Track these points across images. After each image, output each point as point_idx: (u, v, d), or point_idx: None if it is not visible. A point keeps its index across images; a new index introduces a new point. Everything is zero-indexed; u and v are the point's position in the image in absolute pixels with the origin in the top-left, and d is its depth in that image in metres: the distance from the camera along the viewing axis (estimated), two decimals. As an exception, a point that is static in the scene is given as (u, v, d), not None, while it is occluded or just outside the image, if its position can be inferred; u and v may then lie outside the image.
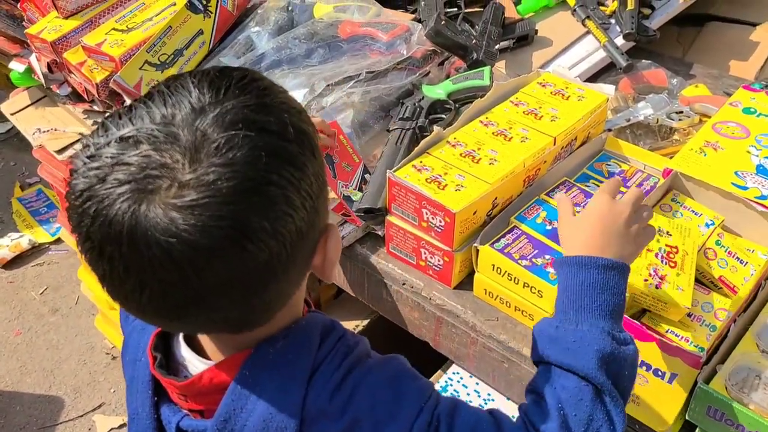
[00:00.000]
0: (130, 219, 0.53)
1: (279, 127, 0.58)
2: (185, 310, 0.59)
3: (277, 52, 1.28)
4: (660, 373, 0.81)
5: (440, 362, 1.21)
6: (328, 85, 1.23)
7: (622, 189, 0.98)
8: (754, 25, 1.78)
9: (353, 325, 1.55)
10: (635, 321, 0.81)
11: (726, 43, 1.78)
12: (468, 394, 1.14)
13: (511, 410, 1.10)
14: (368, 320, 1.57)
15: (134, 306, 0.59)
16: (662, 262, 0.88)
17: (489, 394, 1.13)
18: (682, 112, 1.34)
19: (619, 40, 1.50)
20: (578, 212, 0.80)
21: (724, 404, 0.76)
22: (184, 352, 0.70)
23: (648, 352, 0.81)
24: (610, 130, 1.31)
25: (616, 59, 1.45)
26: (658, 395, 0.83)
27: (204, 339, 0.70)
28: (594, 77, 1.49)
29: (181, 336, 0.71)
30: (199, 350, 0.70)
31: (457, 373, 1.17)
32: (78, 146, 1.42)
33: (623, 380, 0.69)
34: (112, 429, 2.02)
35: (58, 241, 2.69)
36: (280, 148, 0.58)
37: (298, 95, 1.20)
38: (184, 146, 0.55)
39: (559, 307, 0.73)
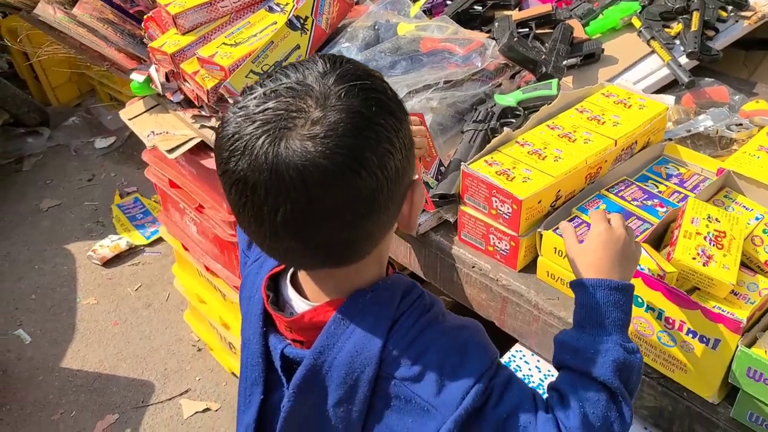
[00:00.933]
0: (274, 149, 0.68)
1: (382, 88, 0.74)
2: (309, 233, 0.72)
3: (364, 64, 1.44)
4: (705, 339, 0.90)
5: (505, 342, 1.31)
6: (409, 92, 1.38)
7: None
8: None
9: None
10: (683, 292, 0.91)
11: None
12: (530, 370, 1.24)
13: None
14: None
15: (269, 229, 0.72)
16: (710, 244, 0.97)
17: (549, 371, 1.23)
18: (741, 124, 1.42)
19: (683, 60, 1.59)
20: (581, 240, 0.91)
21: (764, 365, 0.84)
22: (290, 293, 0.85)
23: (693, 319, 0.90)
24: (670, 139, 1.40)
25: (679, 76, 1.54)
26: (704, 362, 0.92)
27: (306, 283, 0.84)
28: (657, 92, 1.58)
29: (288, 279, 0.86)
30: (301, 293, 0.84)
31: (520, 350, 1.27)
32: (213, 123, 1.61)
33: (632, 384, 0.82)
34: (196, 412, 2.20)
35: (152, 244, 2.94)
36: (384, 102, 0.73)
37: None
38: (315, 95, 0.70)
39: (577, 321, 0.85)
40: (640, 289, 0.94)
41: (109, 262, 2.85)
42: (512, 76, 1.51)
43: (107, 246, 2.88)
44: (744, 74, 1.86)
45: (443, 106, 1.40)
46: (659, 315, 0.94)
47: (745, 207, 1.10)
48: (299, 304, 0.84)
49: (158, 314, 2.59)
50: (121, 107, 1.93)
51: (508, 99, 1.41)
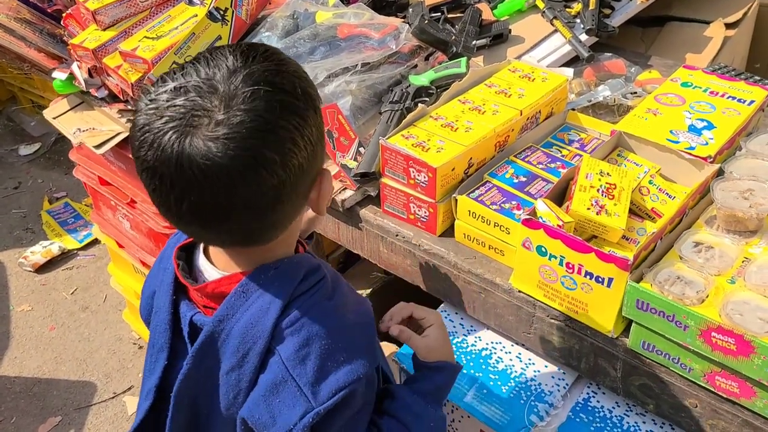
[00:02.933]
0: (179, 146, 0.72)
1: (290, 88, 0.77)
2: (213, 221, 0.77)
3: (284, 51, 1.50)
4: (600, 279, 1.01)
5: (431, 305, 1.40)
6: (328, 76, 1.45)
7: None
8: (708, 23, 2.01)
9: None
10: (578, 238, 1.01)
11: (684, 39, 2.00)
12: (454, 327, 1.33)
13: (490, 337, 1.30)
14: (370, 289, 1.77)
15: (175, 214, 0.78)
16: (602, 195, 1.08)
17: (472, 326, 1.33)
18: (635, 92, 1.55)
19: (583, 36, 1.72)
20: (426, 334, 1.03)
21: (649, 296, 0.95)
22: (202, 262, 0.90)
23: (589, 262, 1.00)
24: (573, 109, 1.52)
25: (580, 51, 1.67)
26: (601, 300, 1.02)
27: (216, 254, 0.89)
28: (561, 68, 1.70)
29: (201, 249, 0.91)
30: (213, 262, 0.89)
31: (444, 310, 1.36)
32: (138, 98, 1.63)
33: None
34: (141, 408, 2.21)
35: (86, 247, 2.91)
36: (290, 103, 0.76)
37: (304, 83, 1.41)
38: (221, 96, 0.74)
39: (426, 392, 0.96)
40: (543, 239, 1.04)
41: (42, 268, 2.81)
42: (426, 58, 1.60)
43: (39, 252, 2.83)
44: (641, 49, 2.01)
45: (361, 88, 1.47)
46: (561, 261, 1.04)
47: (635, 163, 1.22)
48: (211, 273, 0.88)
49: (96, 316, 2.58)
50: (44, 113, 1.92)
51: (421, 79, 1.50)
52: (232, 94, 0.74)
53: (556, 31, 1.76)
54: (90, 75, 1.68)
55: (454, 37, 1.57)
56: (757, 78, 1.55)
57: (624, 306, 0.99)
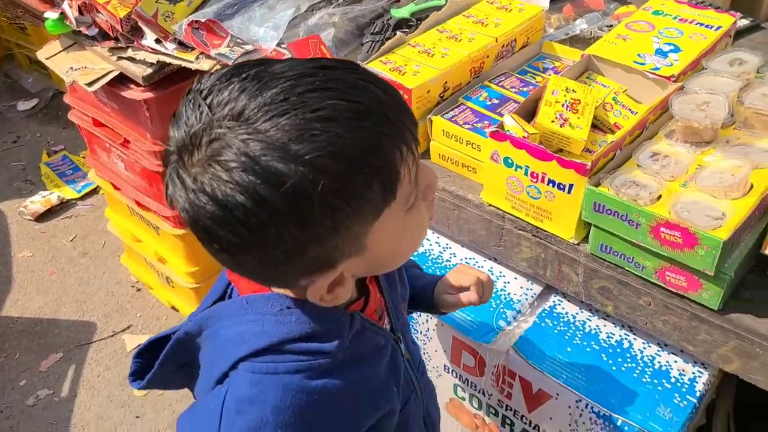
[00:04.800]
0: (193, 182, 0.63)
1: (301, 181, 0.61)
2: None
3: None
4: (561, 186, 1.06)
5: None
6: (311, 8, 1.49)
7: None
8: (690, -38, 2.03)
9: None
10: (541, 147, 1.06)
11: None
12: (431, 245, 1.39)
13: (464, 253, 1.36)
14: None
15: None
16: (567, 109, 1.13)
17: (447, 243, 1.39)
18: (611, 25, 1.59)
19: (564, -26, 1.75)
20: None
21: (604, 198, 1.01)
22: None
23: (551, 169, 1.06)
24: (551, 41, 1.56)
25: (560, -12, 1.70)
26: (563, 207, 1.08)
27: None
28: None
29: None
30: None
31: (422, 231, 1.42)
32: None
33: None
34: (139, 345, 2.29)
35: (84, 197, 2.97)
36: (275, 208, 0.61)
37: (287, 14, 1.46)
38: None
39: None
40: (509, 151, 1.09)
41: (42, 217, 2.87)
42: (408, -8, 1.64)
43: (38, 201, 2.90)
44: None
45: (344, 20, 1.51)
46: (526, 171, 1.10)
47: (603, 84, 1.27)
48: None
49: (95, 261, 2.65)
50: (41, 69, 1.96)
51: (403, 12, 1.54)
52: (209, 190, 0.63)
53: (537, -32, 1.79)
54: (80, 12, 1.72)
55: (434, -28, 1.61)
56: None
57: (583, 210, 1.05)
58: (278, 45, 1.48)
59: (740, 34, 1.62)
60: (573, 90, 1.16)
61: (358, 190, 0.64)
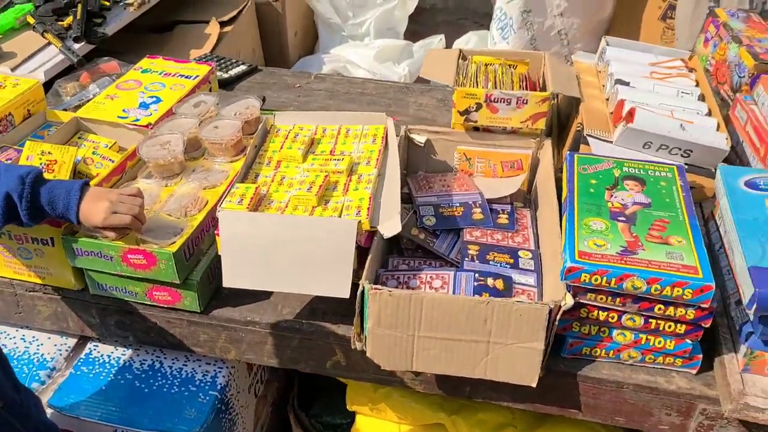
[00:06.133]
0: None
1: None
2: None
3: None
4: (44, 241, 1.14)
5: None
6: None
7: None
8: (207, 22, 2.31)
9: None
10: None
11: (189, 39, 2.27)
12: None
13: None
14: None
15: None
16: (48, 169, 1.21)
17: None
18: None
19: (77, 45, 1.85)
20: None
21: (79, 242, 1.11)
22: None
23: (30, 228, 1.12)
24: (66, 109, 1.64)
25: (69, 58, 1.79)
26: (54, 260, 1.16)
27: None
28: (61, 74, 1.81)
29: None
30: None
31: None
32: None
33: None
34: None
35: None
36: None
37: None
38: None
39: None
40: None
41: None
42: None
43: None
44: (154, 51, 2.22)
45: None
46: (10, 235, 1.14)
47: (94, 141, 1.38)
48: None
49: None
50: None
51: None
52: None
53: (49, 43, 1.86)
54: None
55: None
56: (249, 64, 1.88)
57: (68, 258, 1.14)
58: None
59: (245, 76, 1.92)
60: (49, 152, 1.25)
61: None
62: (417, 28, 3.57)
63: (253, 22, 2.56)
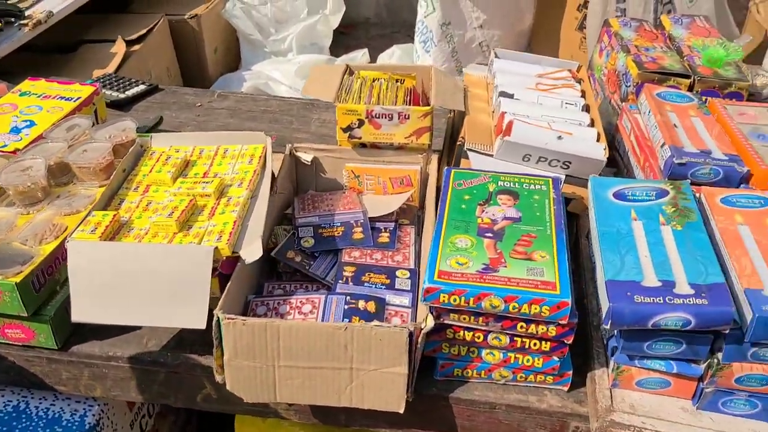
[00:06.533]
0: None
1: None
2: None
3: None
4: None
5: None
6: None
7: None
8: (113, 41, 2.25)
9: None
10: None
11: (94, 58, 2.21)
12: None
13: None
14: None
15: None
16: None
17: None
18: None
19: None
20: None
21: None
22: None
23: None
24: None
25: (-48, 81, 1.71)
26: None
27: None
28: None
29: None
30: None
31: None
32: None
33: None
34: None
35: None
36: None
37: None
38: None
39: None
40: None
41: None
42: None
43: None
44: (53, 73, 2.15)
45: None
46: None
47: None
48: None
49: None
50: None
51: None
52: None
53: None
54: None
55: None
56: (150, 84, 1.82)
57: None
58: None
59: (144, 96, 1.86)
60: None
61: None
62: (350, 42, 3.56)
63: (167, 41, 2.51)
